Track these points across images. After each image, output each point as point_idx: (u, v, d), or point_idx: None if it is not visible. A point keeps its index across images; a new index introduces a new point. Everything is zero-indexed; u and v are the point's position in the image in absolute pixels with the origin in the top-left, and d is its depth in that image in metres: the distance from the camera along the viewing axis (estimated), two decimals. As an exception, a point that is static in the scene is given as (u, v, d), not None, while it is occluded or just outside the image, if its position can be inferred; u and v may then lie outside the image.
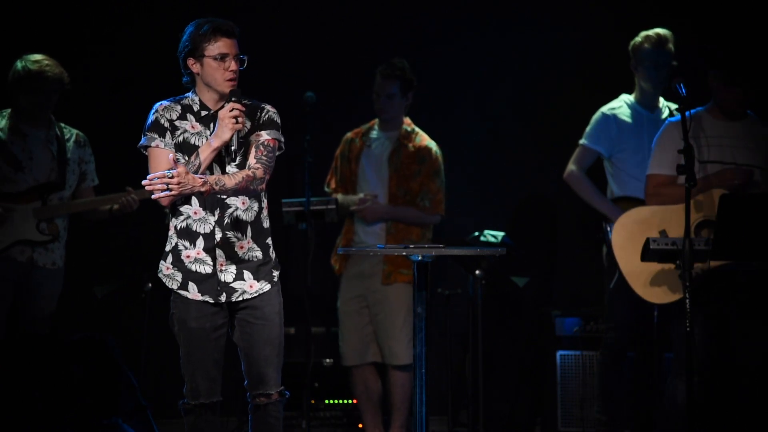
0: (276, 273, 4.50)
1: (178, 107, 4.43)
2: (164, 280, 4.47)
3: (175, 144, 4.39)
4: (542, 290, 7.10)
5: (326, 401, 6.72)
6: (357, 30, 6.99)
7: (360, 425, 6.58)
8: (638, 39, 6.11)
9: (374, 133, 6.43)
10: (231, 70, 4.35)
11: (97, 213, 5.84)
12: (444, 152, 6.36)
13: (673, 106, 6.18)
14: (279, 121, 4.47)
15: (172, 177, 4.13)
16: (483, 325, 6.33)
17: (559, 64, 7.07)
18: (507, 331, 7.09)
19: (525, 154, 7.06)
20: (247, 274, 4.43)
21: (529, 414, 6.99)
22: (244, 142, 4.39)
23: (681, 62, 6.12)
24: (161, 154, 4.37)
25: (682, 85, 5.16)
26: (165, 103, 4.45)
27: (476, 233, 6.40)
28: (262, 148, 4.37)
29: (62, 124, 5.83)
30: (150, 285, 6.16)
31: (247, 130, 4.41)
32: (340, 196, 6.34)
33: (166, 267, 4.46)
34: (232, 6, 7.10)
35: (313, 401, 6.62)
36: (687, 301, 4.94)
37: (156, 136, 4.40)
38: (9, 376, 4.66)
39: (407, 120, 6.41)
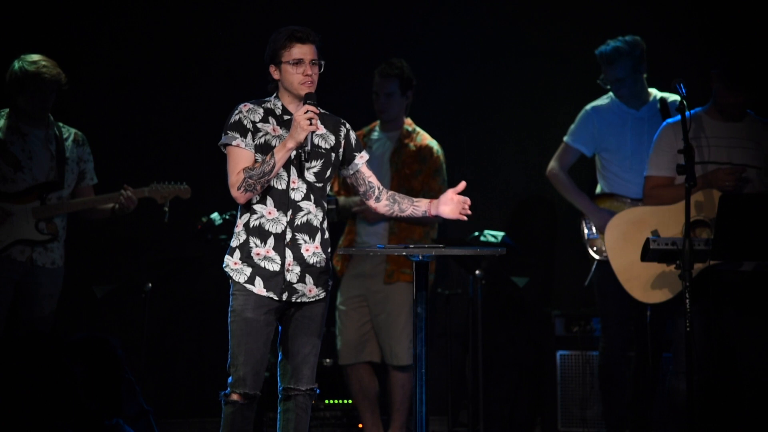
0: (330, 282, 4.69)
1: (261, 110, 4.62)
2: (231, 274, 4.60)
3: (256, 145, 4.56)
4: (542, 290, 7.10)
5: (326, 401, 6.72)
6: (357, 30, 6.99)
7: (360, 425, 6.58)
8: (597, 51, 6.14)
9: (375, 134, 6.43)
10: (306, 74, 4.54)
11: (97, 212, 5.84)
12: (444, 152, 6.36)
13: (666, 94, 6.18)
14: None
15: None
16: (483, 325, 6.34)
17: (559, 63, 7.07)
18: (507, 331, 7.10)
19: (525, 154, 7.06)
20: (308, 278, 4.59)
21: (529, 414, 6.99)
22: (325, 154, 4.61)
23: (683, 61, 6.12)
24: (241, 153, 4.54)
25: (681, 85, 5.16)
26: (249, 104, 4.64)
27: (476, 233, 6.40)
28: (370, 170, 4.73)
29: (60, 124, 5.82)
30: (150, 285, 6.16)
31: (330, 143, 4.64)
32: (341, 199, 6.34)
33: (233, 262, 4.60)
34: (232, 6, 7.11)
35: (313, 401, 6.60)
36: (687, 301, 4.94)
37: (237, 135, 4.56)
38: (9, 375, 4.66)
39: (408, 120, 6.41)
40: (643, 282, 5.32)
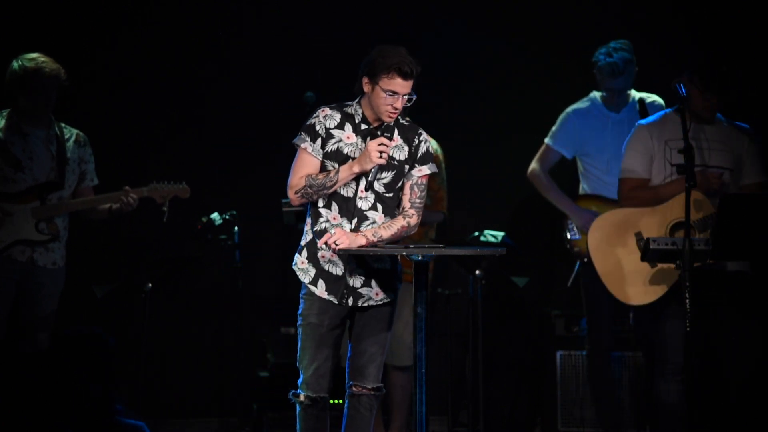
0: (400, 285, 4.81)
1: (339, 115, 4.70)
2: (298, 274, 4.75)
3: (329, 151, 4.66)
4: (542, 290, 7.10)
5: (326, 401, 6.71)
6: (357, 29, 6.98)
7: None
8: (598, 60, 6.12)
9: (374, 134, 6.42)
10: (395, 107, 4.60)
11: (96, 212, 5.83)
12: (444, 152, 6.35)
13: (644, 95, 6.20)
14: (431, 149, 4.78)
15: (334, 235, 4.53)
16: (483, 325, 6.34)
17: (559, 63, 7.07)
18: (507, 331, 7.10)
19: (525, 154, 7.05)
20: (374, 282, 4.72)
21: (529, 414, 6.99)
22: (398, 166, 4.70)
23: (683, 62, 6.11)
24: (307, 158, 4.67)
25: (681, 85, 5.16)
26: (328, 109, 4.72)
27: (476, 233, 6.40)
28: (416, 189, 4.73)
29: (63, 124, 5.82)
30: (150, 285, 6.15)
31: (404, 155, 4.72)
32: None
33: (301, 261, 4.75)
34: (233, 7, 7.11)
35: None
36: (687, 301, 4.94)
37: (308, 138, 4.68)
38: (11, 375, 4.66)
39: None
40: (627, 284, 5.32)
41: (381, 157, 4.55)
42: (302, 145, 4.67)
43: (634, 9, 6.95)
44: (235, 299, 6.78)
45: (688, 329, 4.93)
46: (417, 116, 6.42)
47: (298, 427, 4.81)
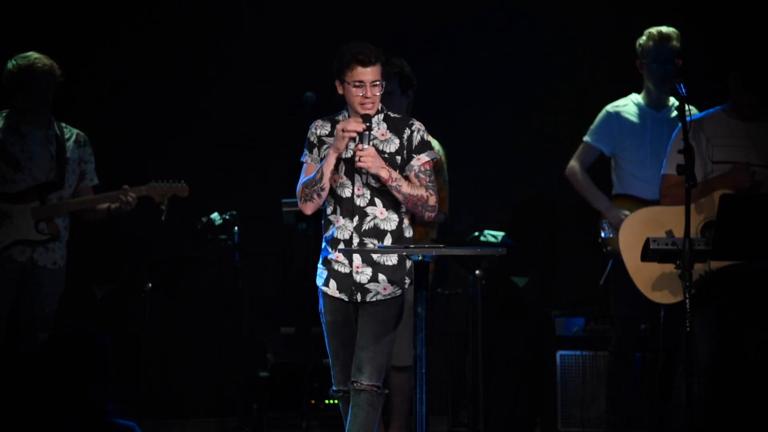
0: (408, 281, 4.81)
1: (329, 124, 4.83)
2: (317, 279, 4.86)
3: (323, 157, 4.76)
4: (542, 290, 7.10)
5: (326, 401, 6.71)
6: (357, 29, 6.98)
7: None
8: (643, 37, 6.14)
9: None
10: (365, 97, 4.68)
11: (94, 213, 5.83)
12: (445, 152, 6.35)
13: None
14: (428, 137, 4.83)
15: (365, 151, 4.60)
16: (483, 325, 6.33)
17: (560, 63, 7.07)
18: (507, 331, 7.09)
19: (525, 154, 7.07)
20: (381, 277, 4.77)
21: (529, 414, 6.99)
22: (389, 158, 4.75)
23: (684, 62, 6.12)
24: (308, 168, 4.82)
25: (682, 85, 5.16)
26: (320, 121, 4.86)
27: (476, 233, 6.39)
28: (423, 176, 4.77)
29: (63, 124, 5.83)
30: (150, 285, 6.15)
31: (393, 147, 4.77)
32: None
33: (319, 267, 4.86)
34: (233, 7, 7.11)
35: (313, 401, 6.62)
36: (687, 301, 4.94)
37: (307, 152, 4.86)
38: (12, 375, 4.66)
39: (409, 120, 6.39)
40: (656, 282, 5.32)
41: (344, 131, 4.61)
42: (303, 159, 4.82)
43: (634, 9, 6.95)
44: (235, 299, 6.78)
45: (687, 329, 4.94)
46: (418, 116, 6.44)
47: (343, 419, 4.92)
